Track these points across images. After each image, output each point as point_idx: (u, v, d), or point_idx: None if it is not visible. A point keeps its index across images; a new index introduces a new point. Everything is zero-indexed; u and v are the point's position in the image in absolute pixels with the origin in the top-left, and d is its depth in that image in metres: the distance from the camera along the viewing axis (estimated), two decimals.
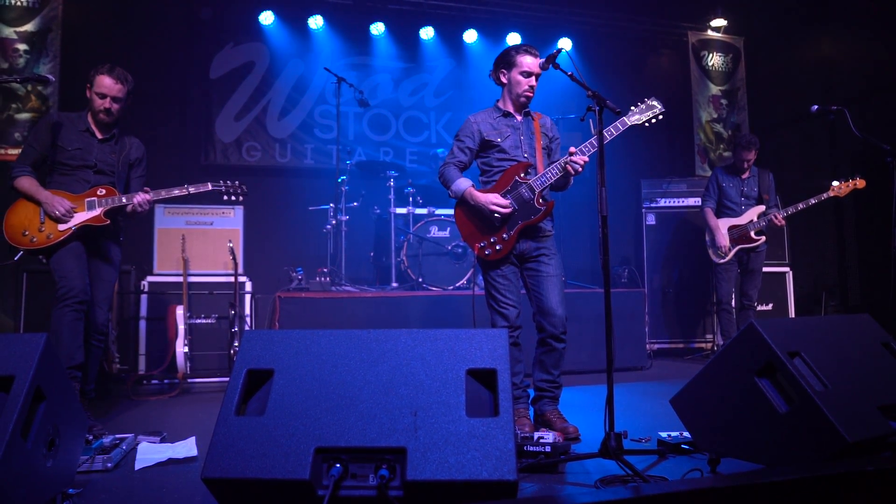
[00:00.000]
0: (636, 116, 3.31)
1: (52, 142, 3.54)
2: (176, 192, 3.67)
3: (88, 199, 3.54)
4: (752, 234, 5.62)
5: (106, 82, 3.55)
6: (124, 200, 3.56)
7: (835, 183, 5.42)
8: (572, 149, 3.25)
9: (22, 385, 1.90)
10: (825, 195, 5.44)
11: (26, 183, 3.50)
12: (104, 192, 3.57)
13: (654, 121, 3.32)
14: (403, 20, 7.49)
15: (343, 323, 5.08)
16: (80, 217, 3.50)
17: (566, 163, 3.25)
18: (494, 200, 3.30)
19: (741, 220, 5.68)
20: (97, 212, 3.52)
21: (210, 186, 3.79)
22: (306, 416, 1.87)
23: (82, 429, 2.38)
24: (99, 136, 3.66)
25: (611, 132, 3.24)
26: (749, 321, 2.49)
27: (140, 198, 3.57)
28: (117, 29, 6.43)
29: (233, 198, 3.89)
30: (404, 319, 5.25)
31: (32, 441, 1.92)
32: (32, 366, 1.95)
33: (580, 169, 3.24)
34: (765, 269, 6.51)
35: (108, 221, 3.54)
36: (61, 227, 3.45)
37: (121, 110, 3.65)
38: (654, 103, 3.33)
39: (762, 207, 5.67)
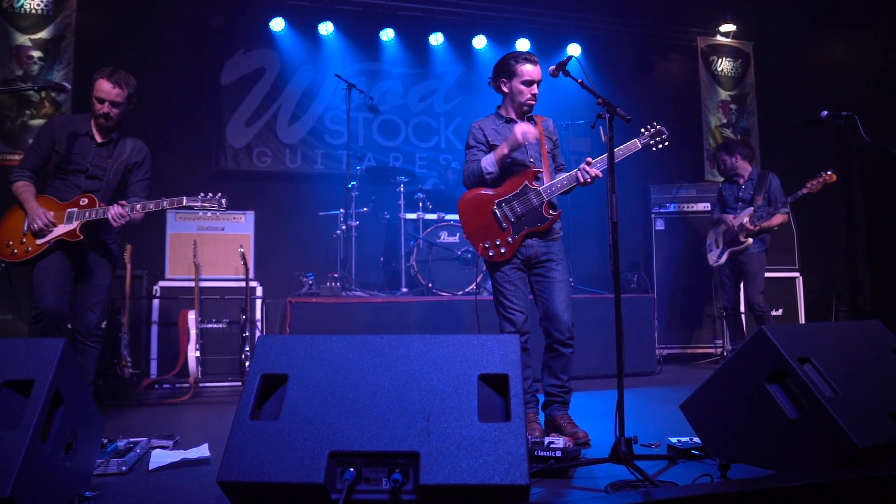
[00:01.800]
0: (645, 139, 3.42)
1: (52, 146, 3.58)
2: (151, 206, 3.57)
3: (70, 209, 3.53)
4: (741, 236, 5.61)
5: (105, 87, 3.55)
6: (100, 214, 3.51)
7: (807, 184, 5.42)
8: (589, 159, 3.29)
9: (41, 389, 1.93)
10: (800, 193, 5.43)
11: (20, 189, 3.54)
12: (86, 202, 3.55)
13: (660, 146, 3.43)
14: (413, 26, 7.53)
15: (353, 328, 5.10)
16: (57, 231, 3.50)
17: (579, 170, 3.30)
18: (522, 129, 3.28)
19: (732, 223, 5.70)
20: (73, 226, 3.50)
21: (185, 201, 3.64)
22: (320, 420, 1.89)
23: (98, 432, 2.41)
24: (98, 139, 3.67)
25: (621, 152, 3.29)
26: (759, 327, 2.50)
27: (114, 211, 3.50)
28: (130, 36, 6.50)
29: (209, 213, 3.75)
30: (414, 324, 5.27)
31: (52, 444, 1.96)
32: (51, 370, 1.98)
33: (589, 181, 3.30)
34: (775, 275, 6.54)
35: (82, 237, 3.51)
36: (39, 240, 3.47)
37: (121, 114, 3.65)
38: (662, 129, 3.42)
39: (752, 209, 5.63)
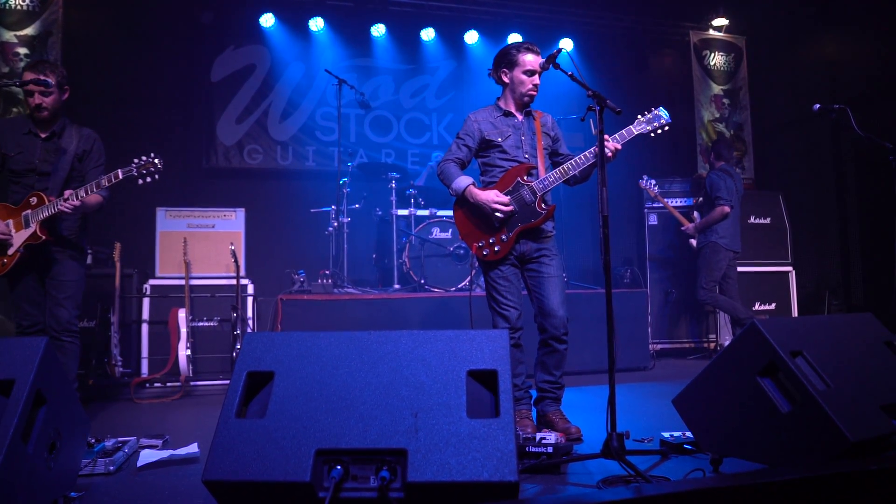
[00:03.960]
0: (642, 126, 3.29)
1: None
2: (93, 188, 3.50)
3: (24, 212, 3.50)
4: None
5: (29, 77, 3.52)
6: (52, 209, 3.46)
7: None
8: (606, 136, 3.21)
9: (22, 389, 1.90)
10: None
11: None
12: (35, 200, 3.51)
13: (659, 131, 3.30)
14: (404, 21, 7.50)
15: (345, 325, 5.07)
16: (20, 237, 3.49)
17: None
18: (495, 199, 3.28)
19: None
20: (32, 228, 3.48)
21: (121, 174, 3.50)
22: (307, 418, 1.87)
23: (84, 432, 2.38)
24: (42, 135, 3.62)
25: (616, 140, 3.24)
26: (752, 320, 2.48)
27: (63, 205, 3.46)
28: (118, 32, 6.45)
29: (147, 179, 3.59)
30: (406, 321, 5.24)
31: (33, 445, 1.92)
32: (33, 370, 1.95)
33: (610, 156, 3.17)
34: (768, 269, 6.62)
35: (45, 237, 3.49)
36: (9, 251, 3.49)
37: (55, 103, 3.60)
38: (661, 113, 3.29)
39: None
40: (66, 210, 3.46)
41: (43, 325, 3.62)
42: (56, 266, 3.63)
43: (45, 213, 3.47)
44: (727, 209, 5.70)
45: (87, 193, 3.49)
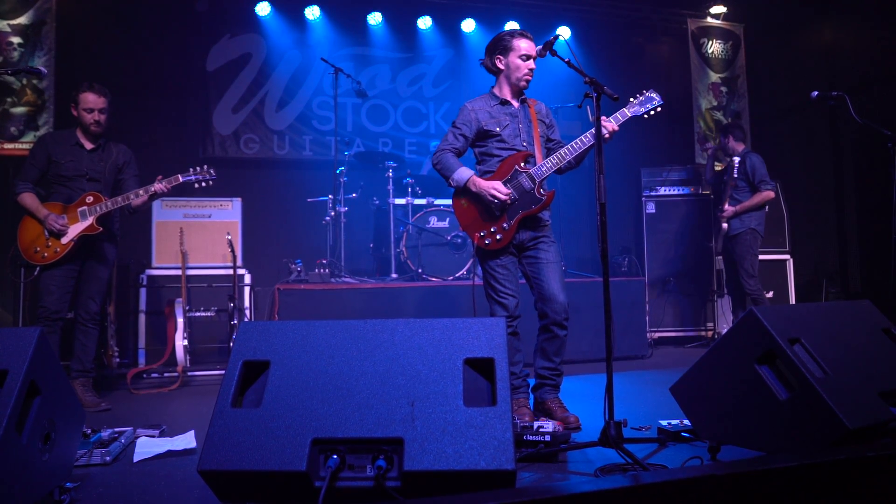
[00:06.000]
0: (635, 108, 3.32)
1: (49, 159, 4.00)
2: (153, 189, 3.98)
3: (80, 208, 3.95)
4: (722, 221, 5.64)
5: (91, 98, 3.98)
6: (109, 206, 3.95)
7: None
8: (603, 117, 3.21)
9: (16, 379, 1.88)
10: None
11: (28, 199, 3.94)
12: (92, 199, 3.96)
13: (652, 112, 3.33)
14: (401, 10, 7.44)
15: (343, 314, 5.07)
16: (76, 228, 3.92)
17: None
18: (496, 187, 3.27)
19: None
20: (89, 221, 3.94)
21: (181, 178, 4.06)
22: (303, 407, 1.86)
23: (79, 423, 2.37)
24: (88, 146, 4.07)
25: (612, 121, 3.23)
26: (749, 308, 2.47)
27: (137, 201, 3.98)
28: (113, 21, 6.40)
29: (203, 184, 4.14)
30: (404, 310, 5.23)
31: (27, 436, 1.91)
32: (26, 360, 1.93)
33: (607, 137, 3.18)
34: (766, 257, 6.56)
35: (101, 229, 3.95)
36: (63, 240, 3.90)
37: (107, 119, 4.07)
38: (653, 95, 3.34)
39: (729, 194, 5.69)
40: (136, 204, 3.98)
41: (64, 313, 3.99)
42: (100, 262, 4.11)
43: (104, 209, 3.94)
44: (772, 194, 5.52)
45: (144, 192, 3.97)
